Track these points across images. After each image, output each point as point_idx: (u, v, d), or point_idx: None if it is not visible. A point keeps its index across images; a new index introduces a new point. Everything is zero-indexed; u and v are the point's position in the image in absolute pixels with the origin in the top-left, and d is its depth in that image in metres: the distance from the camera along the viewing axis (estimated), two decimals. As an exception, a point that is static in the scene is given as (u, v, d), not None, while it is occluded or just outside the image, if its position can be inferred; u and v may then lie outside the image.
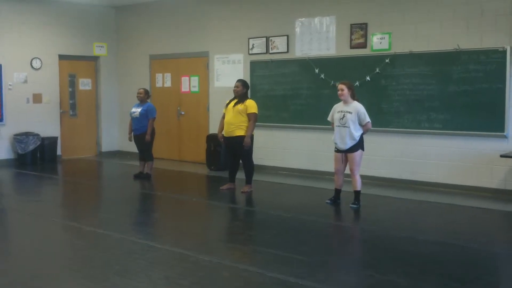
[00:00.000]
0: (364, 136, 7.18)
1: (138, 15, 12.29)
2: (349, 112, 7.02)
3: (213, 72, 10.98)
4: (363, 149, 7.16)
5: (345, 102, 7.12)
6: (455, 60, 8.03)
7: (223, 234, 6.38)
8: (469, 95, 7.95)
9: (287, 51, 9.83)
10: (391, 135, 8.74)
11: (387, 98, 8.69)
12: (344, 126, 7.03)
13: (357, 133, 7.02)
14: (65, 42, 11.93)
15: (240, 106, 8.02)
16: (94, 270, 4.84)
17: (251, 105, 8.05)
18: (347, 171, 7.24)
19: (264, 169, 9.96)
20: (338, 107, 7.23)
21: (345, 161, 7.18)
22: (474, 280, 4.63)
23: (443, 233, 6.05)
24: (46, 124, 11.61)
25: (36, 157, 11.25)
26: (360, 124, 7.05)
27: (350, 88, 7.11)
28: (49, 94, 11.69)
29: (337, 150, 7.22)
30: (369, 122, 7.08)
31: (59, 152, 11.81)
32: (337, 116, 7.14)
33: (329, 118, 7.39)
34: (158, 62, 12.05)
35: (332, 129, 7.31)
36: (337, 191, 7.36)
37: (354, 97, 7.15)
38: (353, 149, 7.06)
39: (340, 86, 7.13)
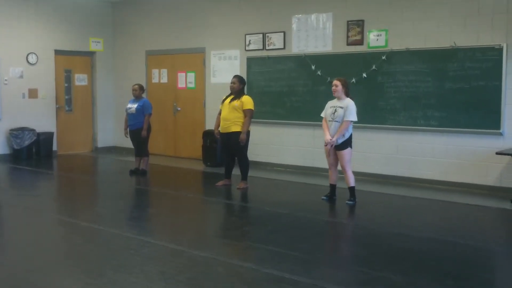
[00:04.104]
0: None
1: (135, 11, 12.26)
2: (341, 107, 7.07)
3: (210, 68, 10.97)
4: (351, 147, 7.18)
5: (338, 98, 7.16)
6: (451, 57, 8.04)
7: (218, 230, 6.38)
8: (465, 92, 7.96)
9: (284, 48, 9.82)
10: (387, 132, 8.75)
11: (383, 95, 8.69)
12: (335, 121, 7.08)
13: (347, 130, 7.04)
14: (61, 37, 11.90)
15: (236, 102, 8.01)
16: (90, 265, 4.84)
17: (247, 101, 8.04)
18: (339, 167, 7.27)
19: (259, 165, 9.96)
20: (331, 103, 7.27)
21: (334, 155, 7.20)
22: (469, 277, 4.64)
23: (439, 230, 6.06)
24: (42, 119, 11.58)
25: (31, 152, 11.22)
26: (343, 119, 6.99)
27: (344, 85, 7.14)
28: (45, 89, 11.66)
29: (326, 144, 7.23)
30: (350, 121, 6.99)
31: (54, 147, 11.79)
32: (329, 111, 7.20)
33: (322, 114, 7.38)
34: (155, 57, 12.02)
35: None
36: (332, 187, 7.39)
37: (348, 95, 7.18)
38: (341, 147, 7.09)
39: (335, 82, 7.18)
